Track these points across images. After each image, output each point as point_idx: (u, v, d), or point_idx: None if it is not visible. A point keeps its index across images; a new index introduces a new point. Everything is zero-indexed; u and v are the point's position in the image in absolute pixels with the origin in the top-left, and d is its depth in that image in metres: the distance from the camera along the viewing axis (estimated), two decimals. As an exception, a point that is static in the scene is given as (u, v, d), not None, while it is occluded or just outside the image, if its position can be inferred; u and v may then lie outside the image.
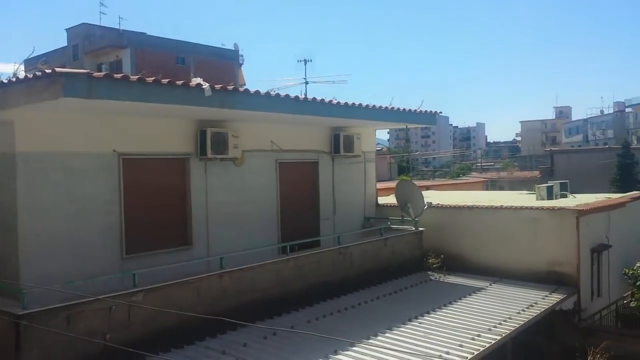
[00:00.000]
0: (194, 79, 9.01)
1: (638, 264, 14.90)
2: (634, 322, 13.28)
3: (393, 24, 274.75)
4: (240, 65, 53.10)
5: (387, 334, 8.59)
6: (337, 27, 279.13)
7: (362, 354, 7.67)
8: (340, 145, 13.71)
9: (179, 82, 8.39)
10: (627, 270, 14.53)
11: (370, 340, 8.26)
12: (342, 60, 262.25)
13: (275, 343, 8.11)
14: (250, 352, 7.76)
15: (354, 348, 7.84)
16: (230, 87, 9.19)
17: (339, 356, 7.59)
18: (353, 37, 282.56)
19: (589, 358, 9.76)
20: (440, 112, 14.69)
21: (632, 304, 13.74)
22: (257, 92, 9.71)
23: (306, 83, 36.74)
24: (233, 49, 52.28)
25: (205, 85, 8.62)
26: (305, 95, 16.57)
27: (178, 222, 10.48)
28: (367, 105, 12.22)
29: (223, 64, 48.66)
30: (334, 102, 11.48)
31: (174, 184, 10.44)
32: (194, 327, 8.15)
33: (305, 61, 38.62)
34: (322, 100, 11.22)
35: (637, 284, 14.19)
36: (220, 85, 9.02)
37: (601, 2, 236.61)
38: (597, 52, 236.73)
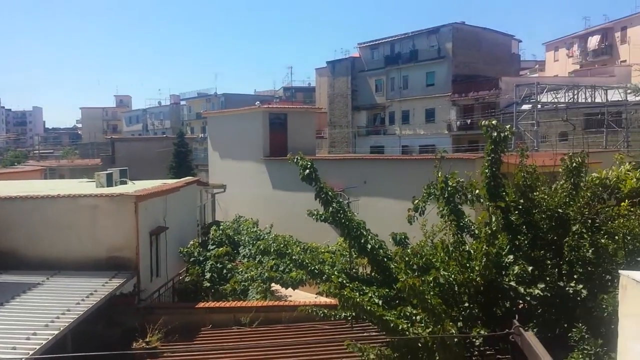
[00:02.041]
0: None
1: (191, 242, 16.61)
2: (188, 295, 14.71)
3: None
4: None
5: None
6: None
7: None
8: None
9: None
10: (182, 249, 15.99)
11: None
12: None
13: None
14: None
15: None
16: None
17: None
18: None
19: (148, 335, 10.25)
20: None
21: (187, 279, 15.21)
22: None
23: None
24: None
25: None
26: None
27: None
28: None
29: None
30: None
31: None
32: None
33: None
34: None
35: (191, 260, 15.81)
36: None
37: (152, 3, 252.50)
38: (156, 46, 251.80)
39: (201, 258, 15.79)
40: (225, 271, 15.58)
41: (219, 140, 31.19)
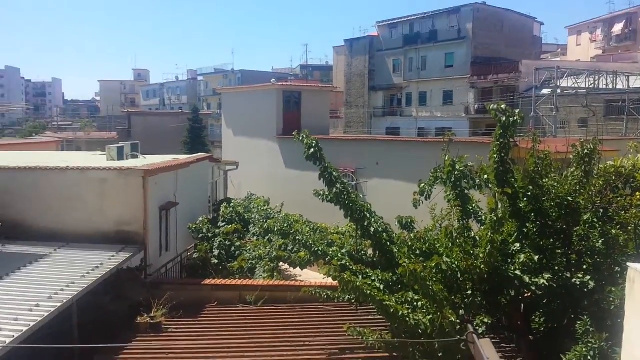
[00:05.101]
0: None
1: (200, 219, 16.59)
2: (195, 271, 14.75)
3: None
4: None
5: None
6: None
7: None
8: None
9: None
10: (191, 225, 16.00)
11: None
12: None
13: None
14: None
15: None
16: None
17: None
18: None
19: (153, 310, 10.30)
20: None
21: (195, 255, 15.23)
22: None
23: None
24: None
25: None
26: None
27: None
28: None
29: None
30: None
31: None
32: None
33: None
34: None
35: (200, 236, 15.82)
36: None
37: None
38: (175, 19, 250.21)
39: (210, 235, 15.77)
40: (233, 249, 15.56)
41: (233, 117, 31.04)
